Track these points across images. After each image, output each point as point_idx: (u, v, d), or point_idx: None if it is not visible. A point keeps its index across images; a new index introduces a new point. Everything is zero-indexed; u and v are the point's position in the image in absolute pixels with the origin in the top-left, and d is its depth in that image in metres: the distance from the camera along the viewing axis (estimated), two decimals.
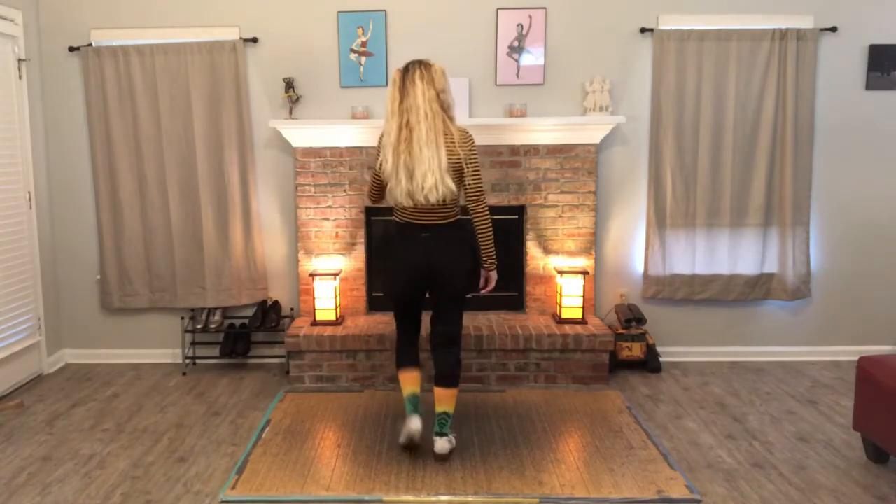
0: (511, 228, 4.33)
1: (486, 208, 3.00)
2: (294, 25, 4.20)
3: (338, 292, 4.13)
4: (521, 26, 4.17)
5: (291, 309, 4.43)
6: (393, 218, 3.13)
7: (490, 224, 3.01)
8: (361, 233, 4.26)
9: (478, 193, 2.97)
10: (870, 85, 4.23)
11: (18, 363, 4.03)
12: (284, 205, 4.37)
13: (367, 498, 2.72)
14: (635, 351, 4.20)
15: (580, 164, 4.20)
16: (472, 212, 2.99)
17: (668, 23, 4.18)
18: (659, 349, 4.36)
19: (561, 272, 4.13)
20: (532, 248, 4.27)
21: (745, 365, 4.35)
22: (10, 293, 3.96)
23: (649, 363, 4.21)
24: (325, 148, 4.19)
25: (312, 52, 4.21)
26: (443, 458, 3.00)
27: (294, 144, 4.19)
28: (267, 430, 3.36)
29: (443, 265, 2.98)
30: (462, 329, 3.20)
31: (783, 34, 4.10)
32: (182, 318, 4.35)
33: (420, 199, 2.89)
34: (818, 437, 3.29)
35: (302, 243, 4.28)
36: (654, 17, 4.19)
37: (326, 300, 4.08)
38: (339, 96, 4.24)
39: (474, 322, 4.08)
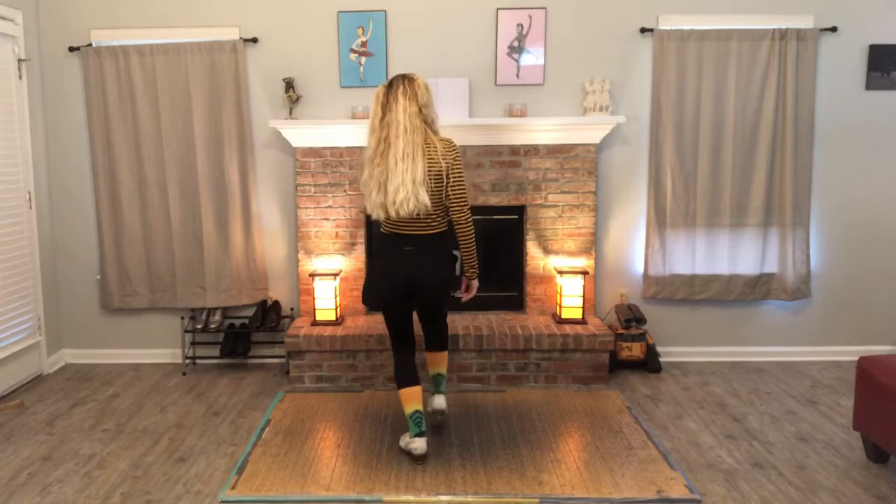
0: (511, 228, 4.33)
1: (469, 218, 3.02)
2: (294, 25, 4.20)
3: (338, 292, 4.13)
4: (521, 26, 4.17)
5: (291, 309, 4.43)
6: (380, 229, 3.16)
7: (472, 233, 3.04)
8: (361, 233, 4.26)
9: (461, 203, 2.99)
10: (870, 85, 4.23)
11: (18, 363, 4.03)
12: (284, 205, 4.37)
13: (367, 498, 2.72)
14: (635, 351, 4.20)
15: (580, 164, 4.20)
16: (454, 221, 3.02)
17: (668, 23, 4.18)
18: (659, 349, 4.36)
19: (561, 272, 4.13)
20: (532, 248, 4.27)
21: (745, 365, 4.35)
22: (10, 293, 3.96)
23: (649, 363, 4.21)
24: (325, 148, 4.19)
25: (312, 52, 4.21)
26: (442, 413, 3.27)
27: (294, 144, 4.19)
28: (267, 430, 3.36)
29: (423, 278, 3.01)
30: (445, 318, 3.43)
31: (783, 34, 4.10)
32: (182, 318, 4.35)
33: (392, 213, 2.91)
34: (818, 437, 3.29)
35: (302, 243, 4.28)
36: (654, 17, 4.19)
37: (326, 300, 4.08)
38: (339, 96, 4.24)
39: (474, 322, 4.08)
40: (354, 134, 4.13)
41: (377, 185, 2.92)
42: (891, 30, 4.19)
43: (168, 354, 4.46)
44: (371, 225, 4.32)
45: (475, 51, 4.20)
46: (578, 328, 3.99)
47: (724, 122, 4.18)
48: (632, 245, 4.40)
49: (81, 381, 4.14)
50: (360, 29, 4.17)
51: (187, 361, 4.40)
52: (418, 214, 2.93)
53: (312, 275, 4.11)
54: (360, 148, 4.18)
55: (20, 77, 4.05)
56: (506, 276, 4.37)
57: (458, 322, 4.07)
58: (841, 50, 4.20)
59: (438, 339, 3.37)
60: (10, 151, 3.98)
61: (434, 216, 3.01)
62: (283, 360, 4.32)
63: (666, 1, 4.17)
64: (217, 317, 4.36)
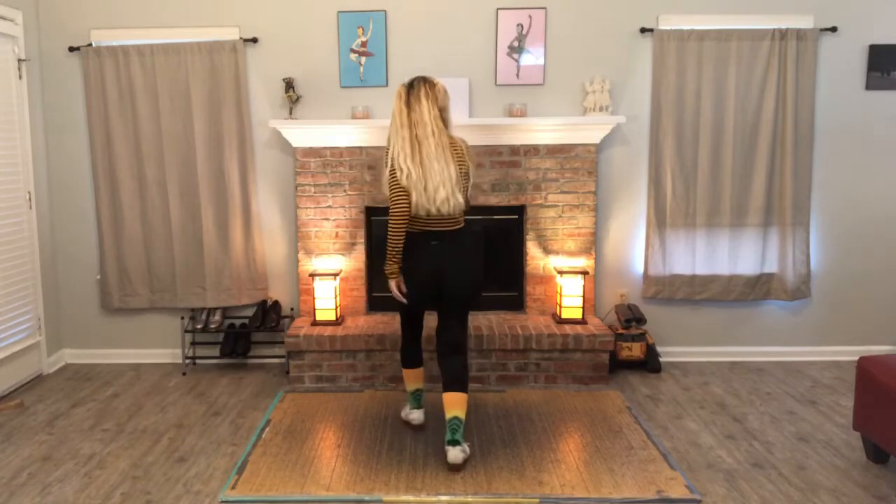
0: (511, 228, 4.33)
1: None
2: (294, 25, 4.20)
3: (338, 292, 4.13)
4: (521, 26, 4.17)
5: (291, 309, 4.43)
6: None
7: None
8: (361, 233, 4.26)
9: (467, 203, 3.16)
10: (870, 85, 4.23)
11: (18, 363, 4.03)
12: (284, 205, 4.37)
13: (367, 498, 2.72)
14: (635, 351, 4.20)
15: (580, 164, 4.20)
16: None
17: (668, 23, 4.18)
18: (659, 349, 4.36)
19: (561, 272, 4.13)
20: (532, 248, 4.27)
21: (745, 365, 4.35)
22: (10, 293, 3.96)
23: (649, 363, 4.21)
24: (325, 148, 4.19)
25: (312, 52, 4.21)
26: (456, 469, 2.92)
27: (294, 144, 4.19)
28: (267, 430, 3.36)
29: (451, 272, 3.04)
30: (467, 337, 3.24)
31: (783, 34, 4.10)
32: (182, 318, 4.35)
33: (433, 211, 2.96)
34: (818, 437, 3.29)
35: (302, 243, 4.28)
36: (654, 17, 4.19)
37: (326, 300, 4.08)
38: (339, 96, 4.24)
39: (474, 322, 4.08)
40: (354, 134, 4.13)
41: (419, 186, 2.92)
42: (891, 30, 4.19)
43: (168, 354, 4.46)
44: (371, 225, 4.33)
45: (475, 51, 4.20)
46: (578, 328, 3.99)
47: (724, 122, 4.18)
48: (632, 245, 4.40)
49: (81, 381, 4.14)
50: (360, 29, 4.17)
51: (187, 361, 4.40)
52: (453, 213, 3.02)
53: (312, 275, 4.11)
54: (361, 148, 4.18)
55: (20, 77, 4.05)
56: (506, 276, 4.38)
57: None
58: (841, 50, 4.20)
59: (458, 376, 3.01)
60: (10, 151, 3.98)
61: (462, 211, 3.11)
62: (283, 360, 4.32)
63: (666, 1, 4.17)
64: (217, 317, 4.36)
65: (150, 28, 4.20)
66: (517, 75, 4.21)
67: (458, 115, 4.11)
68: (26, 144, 4.10)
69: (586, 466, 2.96)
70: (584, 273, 4.13)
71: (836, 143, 4.28)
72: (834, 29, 4.15)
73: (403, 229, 2.96)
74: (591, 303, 4.26)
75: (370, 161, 4.19)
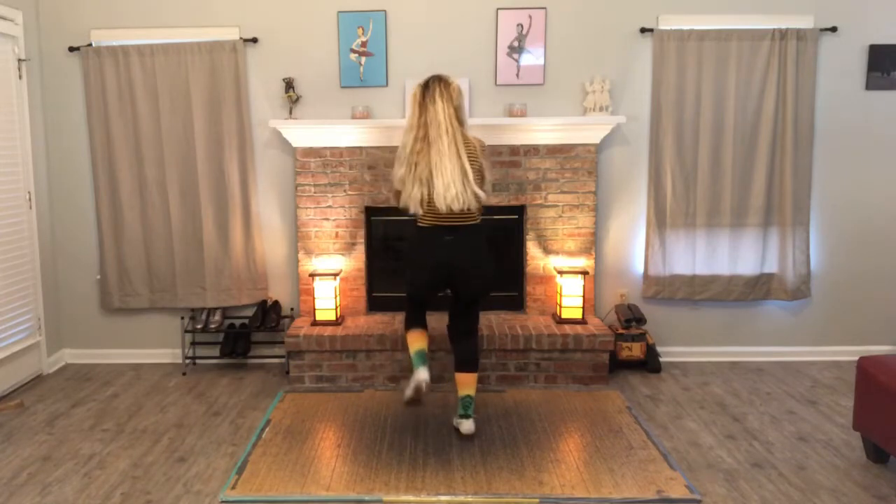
0: (511, 228, 4.33)
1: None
2: (294, 25, 4.20)
3: (338, 292, 4.13)
4: (521, 26, 4.17)
5: (291, 309, 4.43)
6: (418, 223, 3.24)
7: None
8: (361, 233, 4.26)
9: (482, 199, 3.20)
10: (870, 85, 4.23)
11: (18, 363, 4.03)
12: (284, 205, 4.36)
13: (367, 498, 2.72)
14: (635, 351, 4.19)
15: (580, 164, 4.20)
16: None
17: (668, 23, 4.18)
18: (659, 349, 4.36)
19: (561, 272, 4.13)
20: (532, 248, 4.27)
21: (745, 365, 4.35)
22: (10, 293, 3.96)
23: (649, 363, 4.21)
24: (325, 148, 4.19)
25: (312, 52, 4.21)
26: (468, 439, 3.16)
27: (294, 144, 4.19)
28: (267, 430, 3.36)
29: (464, 267, 3.13)
30: (478, 322, 3.39)
31: (783, 34, 4.10)
32: (182, 318, 4.35)
33: (442, 208, 3.05)
34: (818, 437, 3.29)
35: (302, 243, 4.27)
36: (654, 17, 4.19)
37: (326, 300, 4.08)
38: (339, 96, 4.24)
39: None
40: (354, 134, 4.13)
41: (417, 181, 3.06)
42: (891, 30, 4.19)
43: (168, 354, 4.46)
44: (371, 225, 4.33)
45: (475, 51, 4.20)
46: (578, 328, 3.99)
47: (724, 122, 4.18)
48: (632, 245, 4.40)
49: (81, 381, 4.14)
50: (360, 29, 4.17)
51: (187, 361, 4.40)
52: (468, 209, 3.09)
53: (312, 275, 4.11)
54: (361, 148, 4.18)
55: (20, 77, 4.05)
56: (506, 276, 4.37)
57: None
58: (841, 50, 4.20)
59: (469, 357, 3.25)
60: (10, 151, 3.98)
61: (475, 208, 3.16)
62: (283, 360, 4.32)
63: (666, 1, 4.17)
64: (217, 317, 4.36)
65: (150, 28, 4.20)
66: (517, 75, 4.21)
67: None
68: (26, 144, 4.10)
69: (586, 466, 2.96)
70: (584, 273, 4.13)
71: (836, 143, 4.28)
72: (834, 29, 4.15)
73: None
74: (591, 303, 4.26)
75: (370, 161, 4.19)
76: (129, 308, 4.40)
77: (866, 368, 2.97)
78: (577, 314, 4.08)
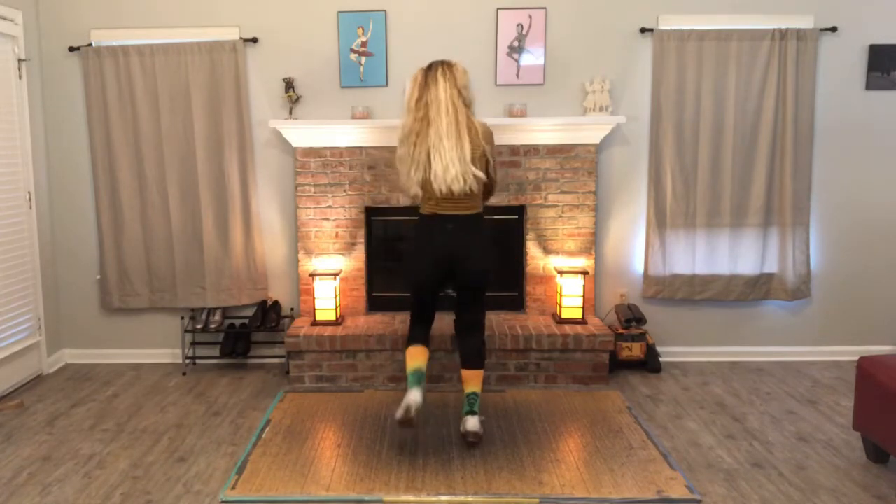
0: (511, 228, 4.33)
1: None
2: (294, 25, 4.20)
3: (338, 292, 4.13)
4: (521, 26, 4.17)
5: (291, 309, 4.43)
6: (420, 212, 3.21)
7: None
8: (361, 233, 4.26)
9: (493, 186, 3.16)
10: (870, 85, 4.23)
11: (18, 363, 4.03)
12: (284, 205, 4.36)
13: (367, 498, 2.72)
14: (635, 351, 4.19)
15: (580, 164, 4.20)
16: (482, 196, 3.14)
17: (668, 23, 4.18)
18: (659, 349, 4.36)
19: (561, 272, 4.13)
20: (532, 248, 4.27)
21: (745, 365, 4.35)
22: (10, 293, 3.96)
23: (649, 363, 4.21)
24: (325, 148, 4.19)
25: (312, 52, 4.21)
26: (475, 436, 3.05)
27: (294, 144, 4.19)
28: (267, 430, 3.36)
29: (465, 257, 3.08)
30: (485, 318, 3.31)
31: (783, 34, 4.10)
32: (182, 318, 4.35)
33: (443, 189, 2.97)
34: (818, 437, 3.29)
35: (302, 243, 4.28)
36: (654, 17, 4.19)
37: (326, 300, 4.08)
38: (339, 96, 4.24)
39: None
40: (354, 134, 4.13)
41: (415, 163, 3.00)
42: (891, 30, 4.19)
43: (168, 354, 4.46)
44: (371, 225, 4.33)
45: (475, 51, 4.20)
46: (578, 328, 3.99)
47: (724, 122, 4.18)
48: (632, 245, 4.40)
49: (81, 381, 4.14)
50: (360, 29, 4.17)
51: (187, 361, 4.40)
52: (470, 190, 3.01)
53: (312, 275, 4.11)
54: (361, 148, 4.18)
55: (20, 77, 4.05)
56: (506, 276, 4.37)
57: None
58: (841, 50, 4.20)
59: (475, 353, 3.19)
60: (10, 151, 3.98)
61: (474, 197, 3.11)
62: (283, 360, 4.32)
63: (666, 1, 4.17)
64: (217, 317, 4.36)
65: (150, 28, 4.20)
66: (517, 75, 4.21)
67: None
68: (26, 144, 4.10)
69: (586, 466, 2.96)
70: (584, 273, 4.13)
71: (836, 143, 4.28)
72: (834, 29, 4.15)
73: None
74: (591, 303, 4.26)
75: (370, 161, 4.19)
76: (129, 308, 4.40)
77: (866, 368, 2.97)
78: (577, 314, 4.08)
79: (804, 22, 4.16)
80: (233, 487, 2.80)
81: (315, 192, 4.24)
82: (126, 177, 4.26)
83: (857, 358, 3.61)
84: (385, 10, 4.16)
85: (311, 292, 4.13)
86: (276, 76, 4.21)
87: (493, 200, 4.16)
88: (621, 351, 4.19)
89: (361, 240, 4.27)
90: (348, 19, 4.16)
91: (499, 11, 4.15)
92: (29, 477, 2.95)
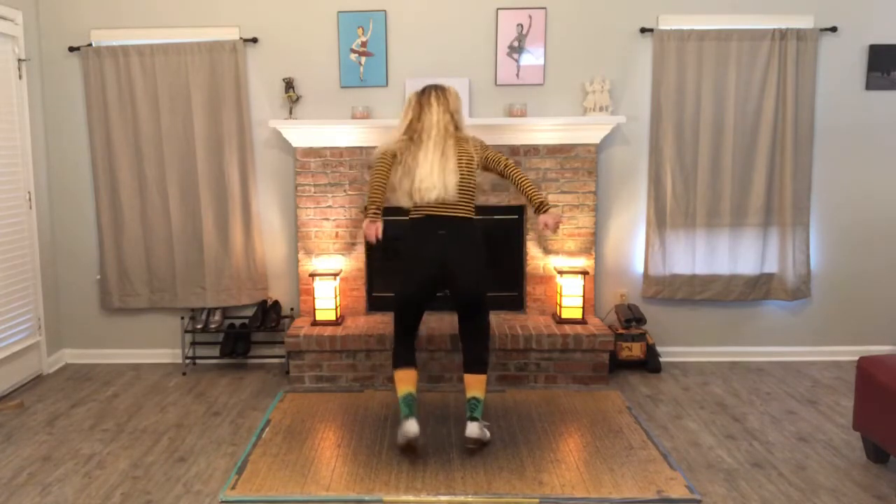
0: (511, 228, 4.33)
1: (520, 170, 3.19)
2: (294, 25, 4.20)
3: (338, 292, 4.13)
4: (521, 26, 4.17)
5: (291, 309, 4.43)
6: (410, 215, 3.20)
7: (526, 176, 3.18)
8: (361, 233, 4.26)
9: (513, 165, 3.15)
10: (870, 85, 4.23)
11: (18, 363, 4.03)
12: (284, 205, 4.37)
13: (367, 498, 2.72)
14: (635, 351, 4.20)
15: (580, 164, 4.20)
16: (515, 174, 3.13)
17: (668, 23, 4.18)
18: (659, 349, 4.36)
19: (561, 272, 4.13)
20: (532, 248, 4.27)
21: (745, 365, 4.35)
22: (10, 293, 3.96)
23: (649, 363, 4.21)
24: (325, 148, 4.19)
25: (312, 52, 4.21)
26: (474, 442, 3.00)
27: (294, 144, 4.19)
28: (267, 430, 3.36)
29: (457, 263, 3.07)
30: (489, 322, 3.32)
31: (783, 34, 4.10)
32: (182, 318, 4.35)
33: (417, 199, 3.06)
34: (818, 437, 3.29)
35: (302, 243, 4.28)
36: (654, 17, 4.19)
37: (326, 300, 4.08)
38: (339, 96, 4.24)
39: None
40: (354, 134, 4.13)
41: (406, 177, 3.08)
42: (891, 30, 4.19)
43: (168, 354, 4.46)
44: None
45: (475, 51, 4.20)
46: (578, 328, 3.99)
47: (724, 122, 4.18)
48: (632, 245, 4.40)
49: (81, 381, 4.14)
50: (360, 29, 4.17)
51: (187, 361, 4.40)
52: (443, 202, 3.06)
53: (312, 275, 4.11)
54: (361, 148, 4.19)
55: (20, 77, 4.05)
56: (506, 276, 4.37)
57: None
58: (841, 50, 4.20)
59: (478, 358, 3.15)
60: (10, 151, 3.98)
61: (463, 200, 3.11)
62: (283, 360, 4.32)
63: (666, 1, 4.17)
64: (217, 317, 4.36)
65: (150, 28, 4.20)
66: (517, 75, 4.21)
67: None
68: (26, 144, 4.10)
69: (586, 466, 2.96)
70: (584, 273, 4.13)
71: (836, 143, 4.28)
72: (834, 29, 4.15)
73: (379, 181, 3.11)
74: (591, 303, 4.26)
75: (370, 161, 4.19)
76: (129, 308, 4.40)
77: (866, 368, 2.97)
78: (577, 314, 4.08)
79: (804, 22, 4.16)
80: (233, 487, 2.81)
81: (315, 192, 4.24)
82: (126, 177, 4.26)
83: (857, 358, 3.61)
84: (385, 10, 4.16)
85: (311, 292, 4.13)
86: (276, 76, 4.21)
87: (493, 200, 4.18)
88: (621, 351, 4.19)
89: (361, 240, 4.27)
90: (348, 19, 4.16)
91: (499, 11, 4.15)
92: (29, 477, 2.95)
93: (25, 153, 4.10)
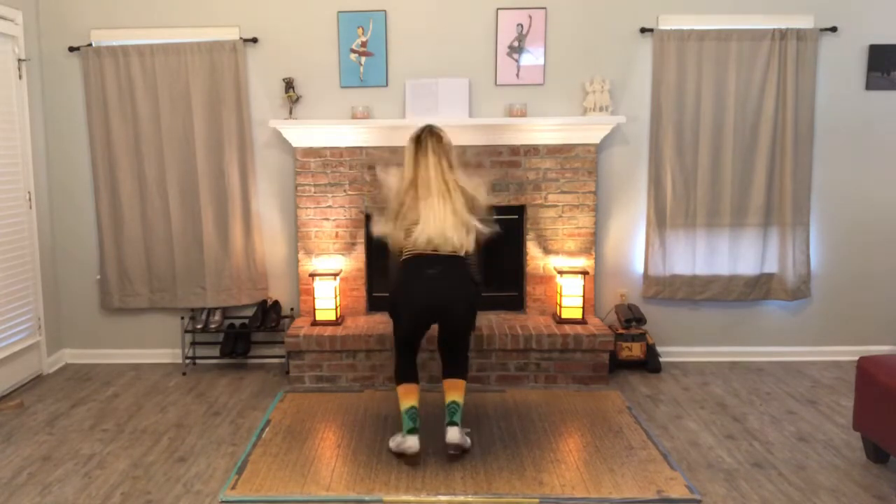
0: (511, 228, 4.33)
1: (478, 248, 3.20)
2: (294, 25, 4.20)
3: (338, 292, 4.13)
4: (521, 26, 4.17)
5: (291, 309, 4.43)
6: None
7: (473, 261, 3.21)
8: (361, 233, 4.26)
9: (477, 244, 3.16)
10: (870, 85, 4.23)
11: (18, 363, 4.03)
12: (284, 205, 4.37)
13: (367, 498, 2.72)
14: (635, 351, 4.20)
15: (580, 164, 4.20)
16: (472, 250, 3.15)
17: (668, 23, 4.18)
18: (659, 349, 4.36)
19: (561, 272, 4.13)
20: (532, 248, 4.27)
21: (745, 365, 4.35)
22: (10, 293, 3.96)
23: (649, 363, 4.21)
24: (325, 148, 4.19)
25: (312, 52, 4.21)
26: (455, 448, 2.97)
27: (294, 144, 4.19)
28: (267, 430, 3.36)
29: (448, 303, 3.05)
30: (469, 348, 3.28)
31: (783, 34, 4.10)
32: (182, 318, 4.35)
33: (420, 245, 3.06)
34: (818, 437, 3.29)
35: (302, 243, 4.28)
36: (654, 17, 4.19)
37: (326, 300, 4.08)
38: (339, 96, 4.24)
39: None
40: (354, 134, 4.13)
41: (403, 229, 3.10)
42: (891, 30, 4.19)
43: (168, 354, 4.46)
44: (371, 225, 4.32)
45: (475, 51, 4.20)
46: (578, 328, 3.99)
47: (724, 122, 4.18)
48: (632, 245, 4.40)
49: (81, 381, 4.14)
50: (360, 29, 4.17)
51: (187, 361, 4.40)
52: (437, 250, 3.06)
53: (312, 275, 4.11)
54: (361, 148, 4.19)
55: (20, 77, 4.05)
56: (506, 276, 4.37)
57: None
58: (841, 50, 4.20)
59: (458, 366, 3.17)
60: (10, 151, 3.98)
61: (462, 246, 3.11)
62: (283, 360, 4.32)
63: (666, 1, 4.17)
64: (217, 317, 4.36)
65: (149, 28, 4.20)
66: (517, 75, 4.21)
67: (459, 116, 4.13)
68: (26, 144, 4.10)
69: (586, 466, 2.96)
70: (584, 273, 4.13)
71: (836, 143, 4.28)
72: (834, 29, 4.15)
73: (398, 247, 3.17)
74: (591, 303, 4.26)
75: (370, 161, 4.19)
76: (128, 308, 4.40)
77: (866, 368, 2.97)
78: (577, 314, 4.08)
79: (804, 22, 4.16)
80: (233, 487, 2.81)
81: (315, 192, 4.24)
82: (126, 177, 4.26)
83: (857, 358, 3.62)
84: (385, 10, 4.16)
85: (311, 292, 4.13)
86: (276, 76, 4.21)
87: (493, 200, 4.17)
88: (621, 351, 4.19)
89: (361, 240, 4.27)
90: (348, 19, 4.16)
91: (499, 11, 4.15)
92: (29, 477, 2.95)
93: (25, 153, 4.10)
